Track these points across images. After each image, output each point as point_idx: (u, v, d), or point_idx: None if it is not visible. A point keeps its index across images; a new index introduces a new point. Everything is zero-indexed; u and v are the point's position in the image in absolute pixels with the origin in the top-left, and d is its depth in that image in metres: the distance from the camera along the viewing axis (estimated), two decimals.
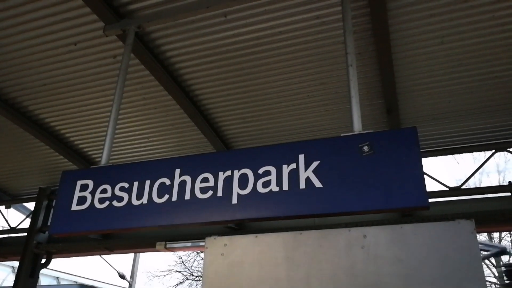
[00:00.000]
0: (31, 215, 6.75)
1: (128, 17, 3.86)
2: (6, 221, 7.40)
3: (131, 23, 3.76)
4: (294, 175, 2.49)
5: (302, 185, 2.44)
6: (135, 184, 2.83)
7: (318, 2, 3.64)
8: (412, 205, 2.26)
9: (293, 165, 2.52)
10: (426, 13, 3.66)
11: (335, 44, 4.00)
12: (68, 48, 4.28)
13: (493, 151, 5.20)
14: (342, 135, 2.57)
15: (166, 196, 2.73)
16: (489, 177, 19.97)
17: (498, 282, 15.03)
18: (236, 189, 2.58)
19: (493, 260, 15.47)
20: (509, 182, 4.93)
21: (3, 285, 11.39)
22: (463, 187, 5.13)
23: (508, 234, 15.15)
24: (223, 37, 4.04)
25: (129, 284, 14.13)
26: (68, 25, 4.02)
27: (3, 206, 7.46)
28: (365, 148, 2.42)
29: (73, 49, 4.29)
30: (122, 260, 14.59)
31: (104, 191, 2.88)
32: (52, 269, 12.35)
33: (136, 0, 3.76)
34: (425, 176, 2.35)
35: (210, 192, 2.64)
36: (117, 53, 4.29)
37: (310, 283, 3.60)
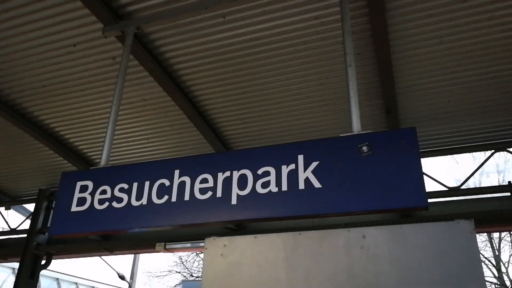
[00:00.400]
0: (31, 216, 6.75)
1: (127, 18, 3.87)
2: (6, 222, 7.40)
3: (130, 24, 3.77)
4: (293, 176, 2.49)
5: (301, 185, 2.45)
6: (135, 185, 2.83)
7: (317, 3, 3.65)
8: (411, 206, 2.27)
9: (292, 166, 2.52)
10: (425, 13, 3.66)
11: (334, 44, 4.01)
12: (67, 49, 4.29)
13: (493, 151, 5.20)
14: (341, 135, 2.57)
15: (166, 197, 2.73)
16: (489, 177, 19.95)
17: (498, 283, 15.03)
18: (235, 190, 2.59)
19: (492, 260, 15.47)
20: (509, 182, 4.93)
21: (3, 286, 11.38)
22: (463, 187, 5.14)
23: (508, 234, 15.14)
24: (221, 38, 4.04)
25: (129, 284, 14.13)
26: (67, 26, 4.03)
27: (3, 208, 7.46)
28: (364, 148, 2.43)
29: (72, 50, 4.29)
30: (122, 261, 14.59)
31: (103, 192, 2.88)
32: (52, 270, 12.33)
33: (135, 2, 3.76)
34: (424, 176, 2.36)
35: (210, 193, 2.64)
36: (116, 54, 4.29)
37: (309, 283, 3.60)
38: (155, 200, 2.75)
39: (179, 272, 18.23)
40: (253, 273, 3.85)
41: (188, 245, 5.35)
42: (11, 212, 7.58)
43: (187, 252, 17.08)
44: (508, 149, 5.13)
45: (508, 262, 15.41)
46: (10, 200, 7.39)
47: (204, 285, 4.09)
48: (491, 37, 3.83)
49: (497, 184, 12.33)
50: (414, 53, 4.05)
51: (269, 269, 3.81)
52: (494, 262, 15.38)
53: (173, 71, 4.46)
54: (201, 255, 16.53)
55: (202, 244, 4.75)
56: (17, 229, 7.19)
